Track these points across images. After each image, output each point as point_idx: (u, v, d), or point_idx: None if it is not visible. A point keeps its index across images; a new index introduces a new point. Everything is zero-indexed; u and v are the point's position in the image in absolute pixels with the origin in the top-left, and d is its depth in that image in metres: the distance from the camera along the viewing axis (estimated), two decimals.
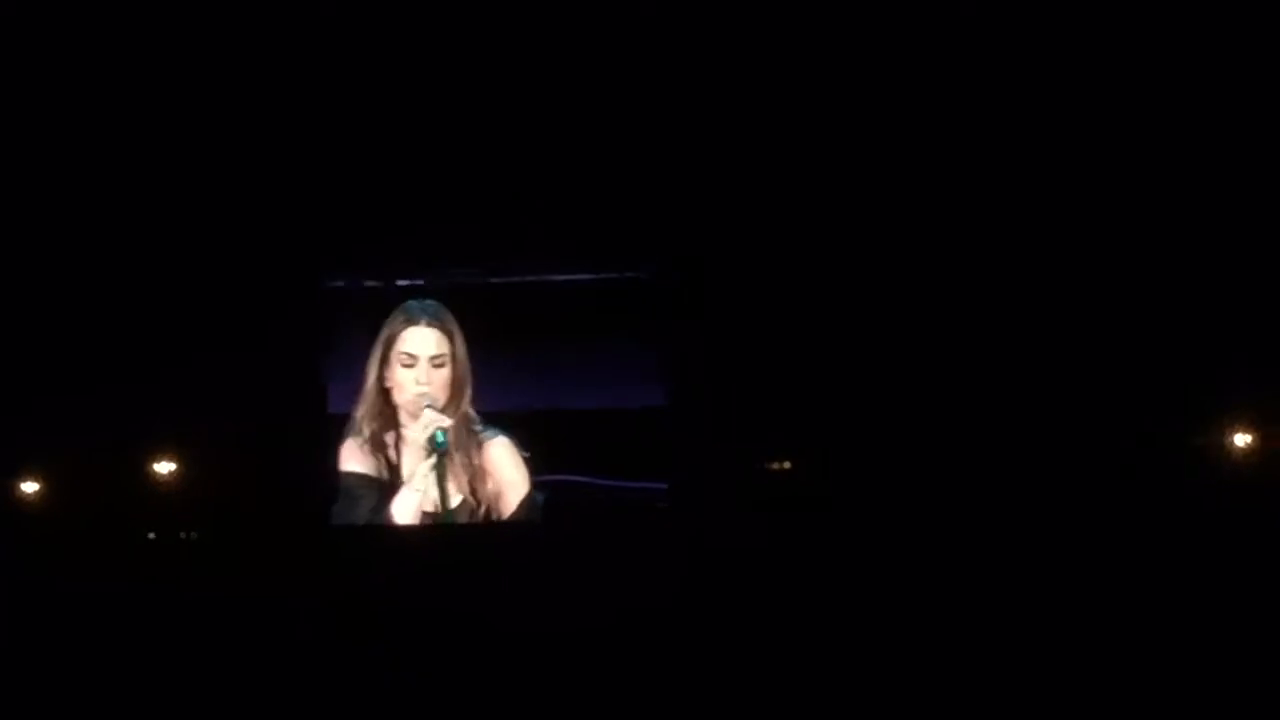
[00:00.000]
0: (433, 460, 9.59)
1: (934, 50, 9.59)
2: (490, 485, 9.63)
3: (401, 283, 9.93)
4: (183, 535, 10.40)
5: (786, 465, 9.92)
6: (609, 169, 9.96)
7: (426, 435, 9.58)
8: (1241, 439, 9.42)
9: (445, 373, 9.61)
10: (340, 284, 10.11)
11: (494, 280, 9.91)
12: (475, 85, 9.96)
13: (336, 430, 9.85)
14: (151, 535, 10.41)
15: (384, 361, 9.67)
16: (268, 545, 9.95)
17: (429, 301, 9.73)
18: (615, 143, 9.94)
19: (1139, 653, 9.04)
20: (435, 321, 9.65)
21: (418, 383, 9.61)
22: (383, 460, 9.69)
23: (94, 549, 10.11)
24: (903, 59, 9.63)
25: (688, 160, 9.89)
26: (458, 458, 9.62)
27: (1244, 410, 9.43)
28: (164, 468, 10.34)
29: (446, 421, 9.57)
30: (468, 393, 9.62)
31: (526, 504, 9.64)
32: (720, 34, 9.66)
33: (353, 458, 9.73)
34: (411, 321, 9.68)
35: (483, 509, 9.64)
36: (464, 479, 9.63)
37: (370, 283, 10.03)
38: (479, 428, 9.65)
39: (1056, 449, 9.48)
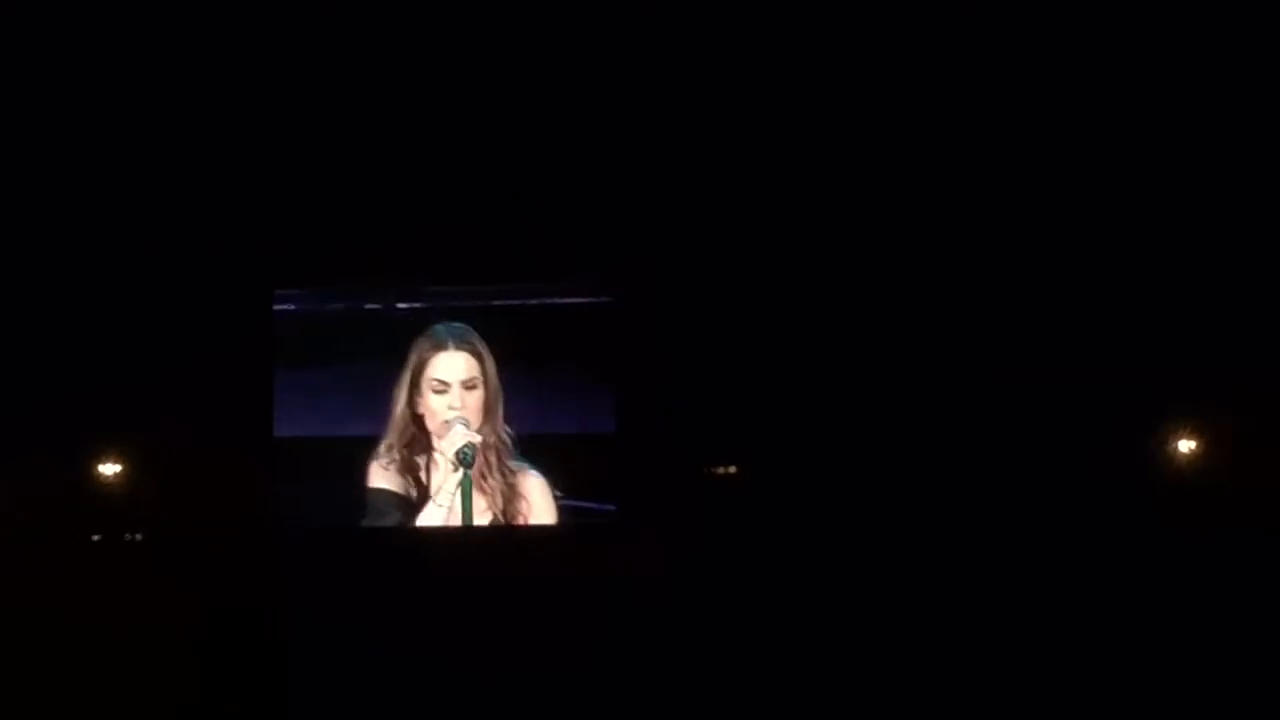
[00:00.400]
0: (459, 475, 9.85)
1: (879, 88, 10.05)
2: (524, 509, 9.95)
3: (401, 305, 10.17)
4: (127, 537, 10.50)
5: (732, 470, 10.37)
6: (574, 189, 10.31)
7: (454, 450, 9.84)
8: (1185, 445, 9.98)
9: (478, 394, 9.86)
10: (295, 306, 10.26)
11: (463, 303, 10.11)
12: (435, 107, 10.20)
13: (282, 453, 10.11)
14: (96, 537, 10.49)
15: (414, 387, 9.89)
16: (214, 548, 10.16)
17: (456, 324, 9.94)
18: (582, 161, 10.30)
19: (1084, 656, 9.63)
20: (464, 344, 9.89)
21: (450, 407, 9.85)
22: (412, 480, 9.94)
23: (38, 549, 10.14)
24: (848, 98, 10.07)
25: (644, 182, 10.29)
26: (494, 479, 9.91)
27: (1188, 417, 9.96)
28: (109, 469, 10.43)
29: (476, 437, 9.81)
30: (500, 412, 9.88)
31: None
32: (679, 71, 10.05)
33: (381, 476, 9.95)
34: (440, 346, 9.90)
35: None
36: (498, 499, 9.94)
37: (337, 305, 10.23)
38: (514, 459, 9.95)
39: (1002, 455, 9.95)
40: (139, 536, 10.46)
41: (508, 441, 9.92)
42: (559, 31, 9.95)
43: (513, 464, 9.93)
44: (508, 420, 9.91)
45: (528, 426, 9.94)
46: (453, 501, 9.89)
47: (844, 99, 10.05)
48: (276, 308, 10.27)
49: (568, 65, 10.04)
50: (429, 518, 9.93)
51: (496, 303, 10.09)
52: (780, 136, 10.14)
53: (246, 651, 9.99)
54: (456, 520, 9.90)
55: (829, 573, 9.93)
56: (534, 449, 9.97)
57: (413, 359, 9.91)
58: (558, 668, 9.72)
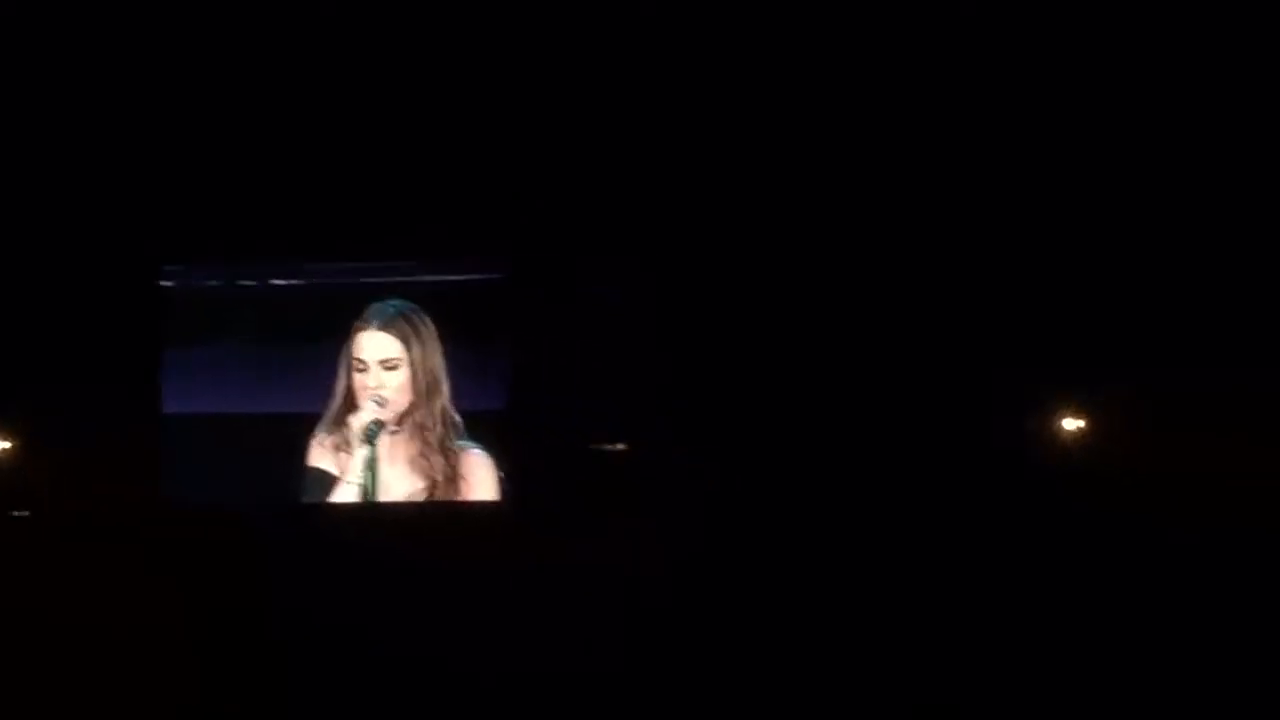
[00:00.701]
0: (365, 452, 9.80)
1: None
2: (464, 489, 9.89)
3: (243, 282, 10.10)
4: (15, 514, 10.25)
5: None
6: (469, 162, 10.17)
7: (360, 425, 9.77)
8: (1072, 424, 10.15)
9: (399, 375, 9.80)
10: (175, 282, 10.11)
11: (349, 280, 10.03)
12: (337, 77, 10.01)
13: (169, 429, 10.02)
14: None
15: (347, 365, 9.82)
16: (103, 524, 9.95)
17: (392, 303, 9.86)
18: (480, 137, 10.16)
19: (972, 641, 9.70)
20: (388, 325, 9.82)
21: (367, 386, 9.78)
22: (345, 458, 9.86)
23: None
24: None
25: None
26: (435, 457, 9.84)
27: (1074, 395, 10.12)
28: None
29: (385, 415, 9.76)
30: (441, 393, 9.82)
31: None
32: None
33: (317, 455, 9.87)
34: (364, 326, 9.83)
35: None
36: (438, 477, 9.88)
37: (213, 281, 10.12)
38: (459, 439, 9.89)
39: (889, 437, 10.06)
40: (26, 513, 10.18)
41: (454, 422, 9.85)
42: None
43: (457, 444, 9.86)
44: (456, 399, 9.86)
45: (472, 405, 9.91)
46: (364, 478, 9.82)
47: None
48: (163, 284, 10.09)
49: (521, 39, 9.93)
50: (341, 495, 9.85)
51: (371, 280, 10.01)
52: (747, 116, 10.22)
53: (140, 628, 9.71)
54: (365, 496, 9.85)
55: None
56: (478, 428, 9.93)
57: (349, 338, 9.85)
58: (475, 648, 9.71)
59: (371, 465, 9.79)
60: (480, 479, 9.90)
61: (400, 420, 9.84)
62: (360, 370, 9.77)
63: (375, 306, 9.87)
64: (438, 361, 9.83)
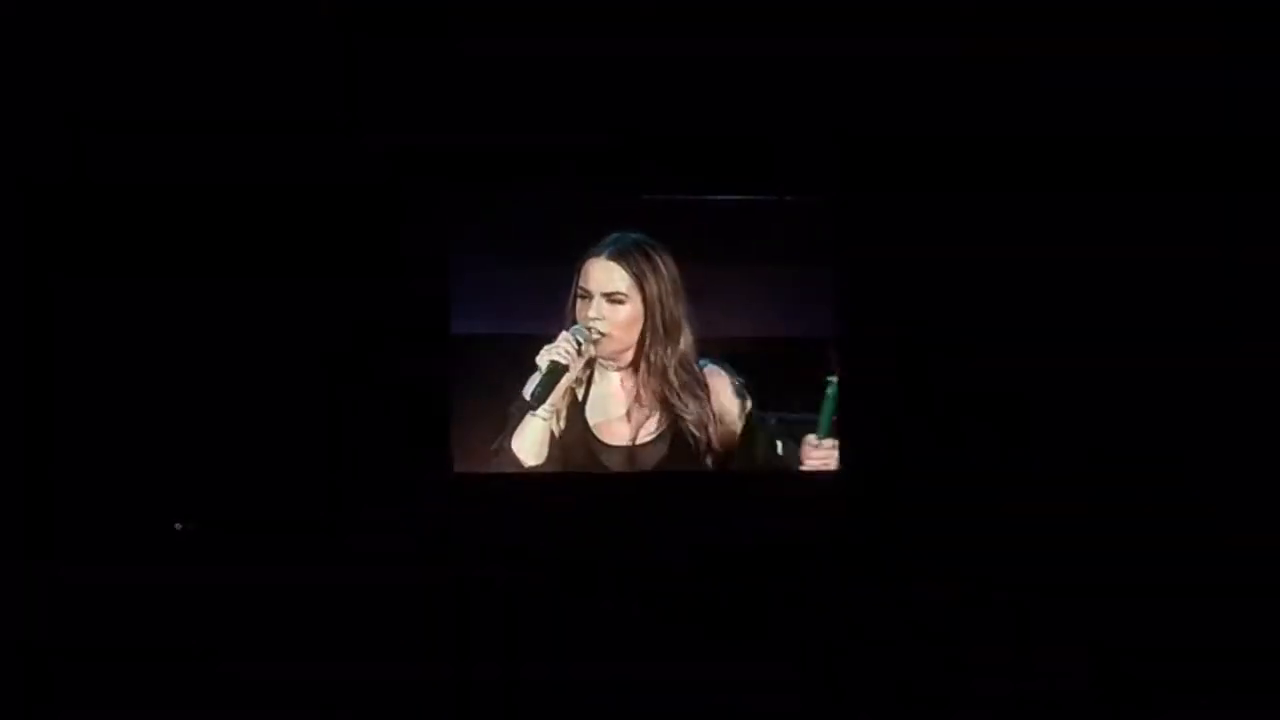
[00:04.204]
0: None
1: None
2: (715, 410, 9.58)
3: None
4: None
5: None
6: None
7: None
8: None
9: (625, 309, 9.50)
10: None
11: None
12: None
13: None
14: None
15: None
16: None
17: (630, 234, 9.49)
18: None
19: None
20: (618, 256, 9.47)
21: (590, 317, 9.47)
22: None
23: None
24: None
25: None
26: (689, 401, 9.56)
27: None
28: None
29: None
30: (680, 335, 9.50)
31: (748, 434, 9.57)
32: None
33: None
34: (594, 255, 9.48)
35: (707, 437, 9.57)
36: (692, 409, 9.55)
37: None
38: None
39: None
40: None
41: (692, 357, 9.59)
42: None
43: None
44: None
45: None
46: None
47: None
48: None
49: None
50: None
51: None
52: None
53: None
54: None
55: None
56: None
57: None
58: None
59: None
60: (721, 392, 9.66)
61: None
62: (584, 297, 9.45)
63: (612, 236, 9.50)
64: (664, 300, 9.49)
